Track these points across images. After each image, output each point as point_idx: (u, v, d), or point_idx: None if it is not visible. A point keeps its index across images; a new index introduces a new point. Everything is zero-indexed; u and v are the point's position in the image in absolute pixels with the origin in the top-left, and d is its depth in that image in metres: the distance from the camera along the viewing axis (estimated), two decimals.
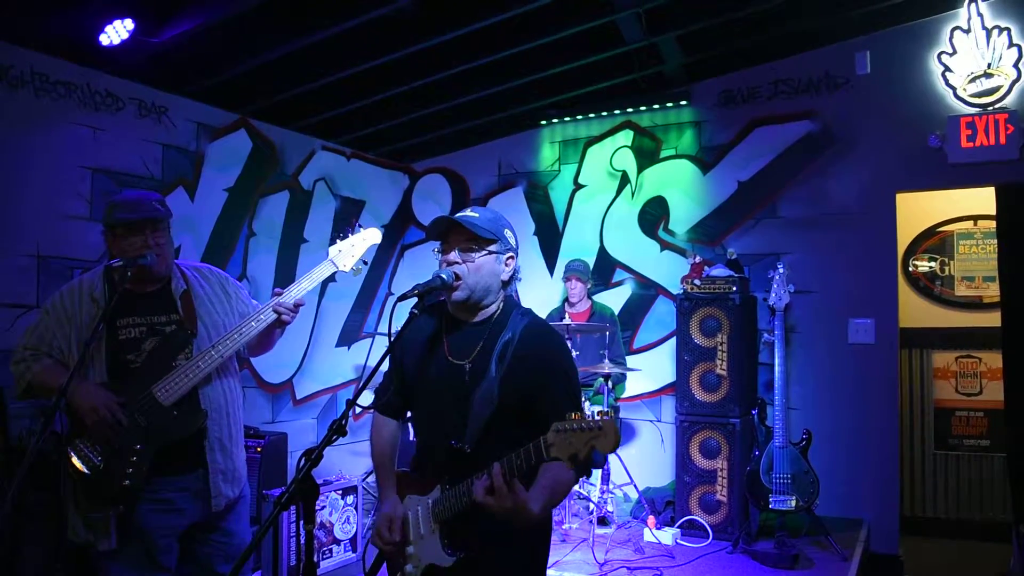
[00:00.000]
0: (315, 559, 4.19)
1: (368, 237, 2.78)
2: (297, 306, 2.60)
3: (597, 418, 1.62)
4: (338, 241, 2.75)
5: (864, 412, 4.88)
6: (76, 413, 2.37)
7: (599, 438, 1.60)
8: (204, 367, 2.47)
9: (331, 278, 5.65)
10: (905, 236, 5.62)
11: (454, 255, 1.99)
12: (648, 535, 4.52)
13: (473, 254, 1.99)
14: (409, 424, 3.86)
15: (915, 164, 4.80)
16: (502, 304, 2.09)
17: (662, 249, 5.65)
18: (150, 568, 2.45)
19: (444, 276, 1.99)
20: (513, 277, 2.10)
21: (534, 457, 1.70)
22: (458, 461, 1.91)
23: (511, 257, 2.08)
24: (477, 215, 2.02)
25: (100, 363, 2.45)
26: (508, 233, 2.07)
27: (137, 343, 2.48)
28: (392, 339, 1.97)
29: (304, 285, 2.64)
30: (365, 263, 2.79)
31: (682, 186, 5.58)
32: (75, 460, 2.36)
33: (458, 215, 2.03)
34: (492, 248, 2.02)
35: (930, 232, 5.77)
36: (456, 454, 1.91)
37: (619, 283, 5.80)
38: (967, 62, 4.66)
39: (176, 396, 2.43)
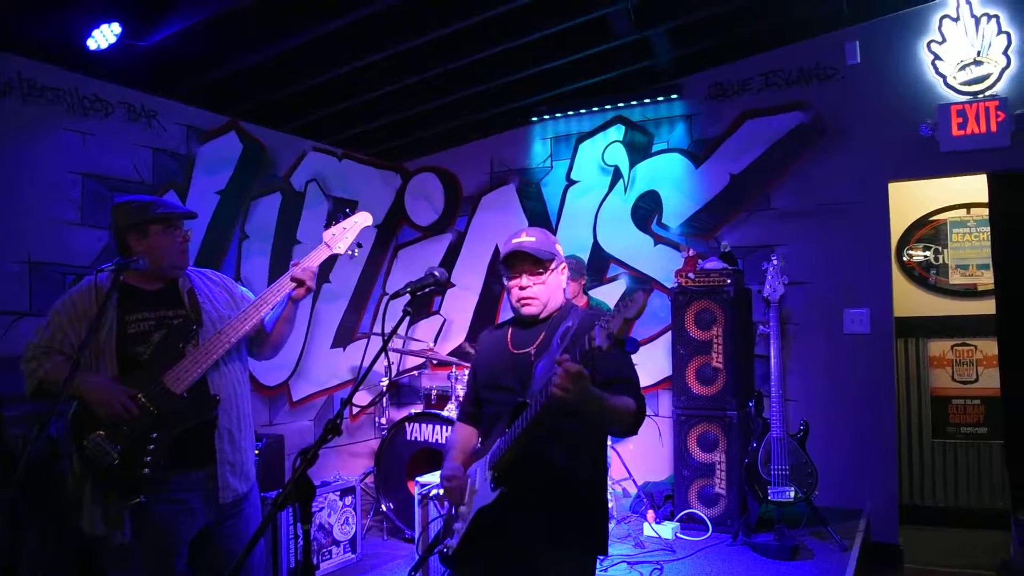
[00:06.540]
0: (314, 560, 4.20)
1: (360, 220, 2.86)
2: (311, 272, 2.66)
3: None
4: (332, 225, 2.83)
5: (861, 402, 4.89)
6: (88, 407, 2.39)
7: (628, 307, 1.76)
8: (213, 352, 2.51)
9: (326, 279, 5.76)
10: (898, 225, 5.64)
11: (525, 279, 2.26)
12: (648, 529, 4.53)
13: (541, 276, 2.27)
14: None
15: (907, 153, 4.80)
16: (564, 304, 2.36)
17: (656, 243, 5.65)
18: (163, 571, 2.45)
19: (436, 274, 2.05)
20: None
21: (587, 343, 1.84)
22: (520, 414, 2.08)
23: (565, 266, 2.37)
24: (534, 239, 2.27)
25: (111, 357, 2.47)
26: (558, 247, 2.34)
27: (146, 336, 2.52)
28: (386, 338, 2.00)
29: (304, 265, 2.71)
30: (360, 245, 2.87)
31: (675, 180, 5.58)
32: (92, 453, 2.37)
33: (517, 243, 2.27)
34: (552, 265, 2.28)
35: (923, 221, 5.79)
36: (520, 407, 2.08)
37: (614, 278, 5.80)
38: (957, 50, 4.66)
39: (187, 384, 2.47)
